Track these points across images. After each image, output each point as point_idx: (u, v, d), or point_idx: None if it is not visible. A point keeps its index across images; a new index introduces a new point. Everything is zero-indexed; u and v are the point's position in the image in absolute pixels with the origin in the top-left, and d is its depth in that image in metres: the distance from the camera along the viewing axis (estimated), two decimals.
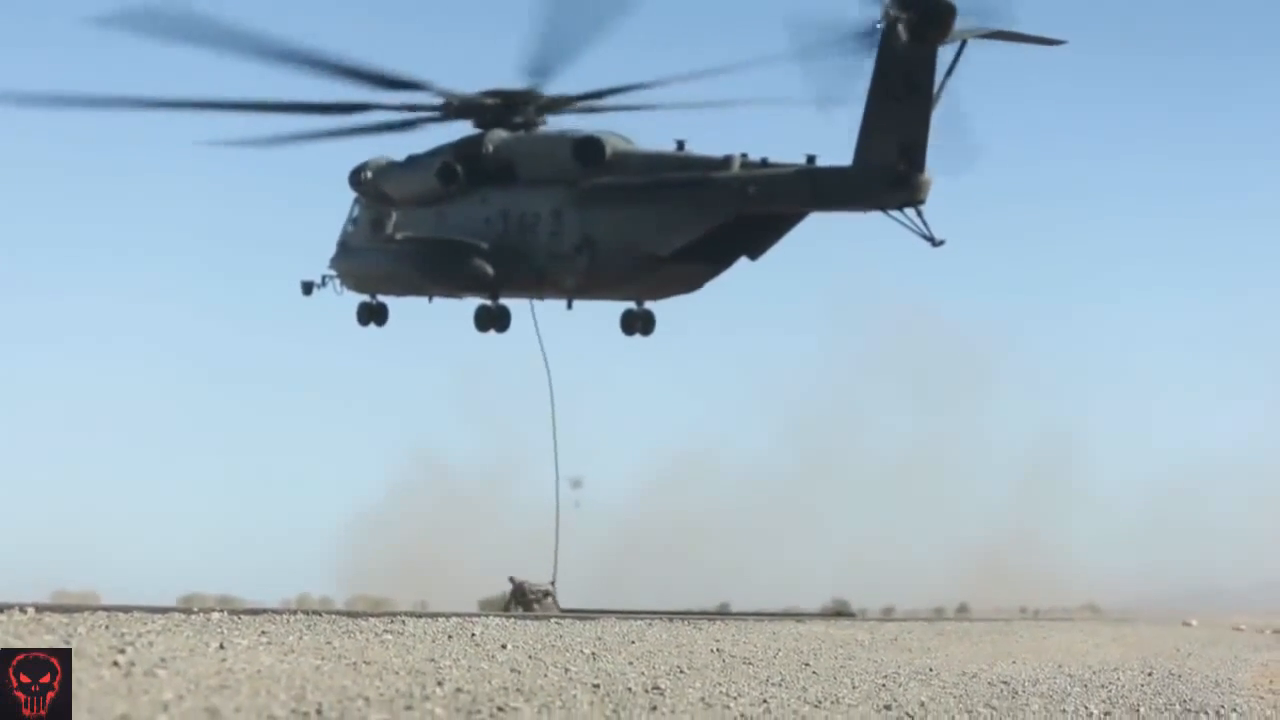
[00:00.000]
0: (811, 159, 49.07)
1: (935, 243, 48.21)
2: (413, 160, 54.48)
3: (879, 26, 45.43)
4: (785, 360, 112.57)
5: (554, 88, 52.85)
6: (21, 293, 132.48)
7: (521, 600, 64.31)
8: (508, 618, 38.54)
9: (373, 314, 55.93)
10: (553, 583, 62.05)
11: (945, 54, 46.44)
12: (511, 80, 52.92)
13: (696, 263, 51.16)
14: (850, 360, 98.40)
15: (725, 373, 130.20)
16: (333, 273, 56.01)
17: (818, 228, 51.12)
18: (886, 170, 46.74)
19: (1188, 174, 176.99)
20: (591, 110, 53.18)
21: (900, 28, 45.10)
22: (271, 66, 49.66)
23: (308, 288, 56.31)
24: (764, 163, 50.06)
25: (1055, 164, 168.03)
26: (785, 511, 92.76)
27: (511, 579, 63.69)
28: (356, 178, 55.41)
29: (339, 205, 56.82)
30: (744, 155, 50.23)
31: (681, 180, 50.55)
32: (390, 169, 54.82)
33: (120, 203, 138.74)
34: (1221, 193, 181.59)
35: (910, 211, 47.84)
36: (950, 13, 45.11)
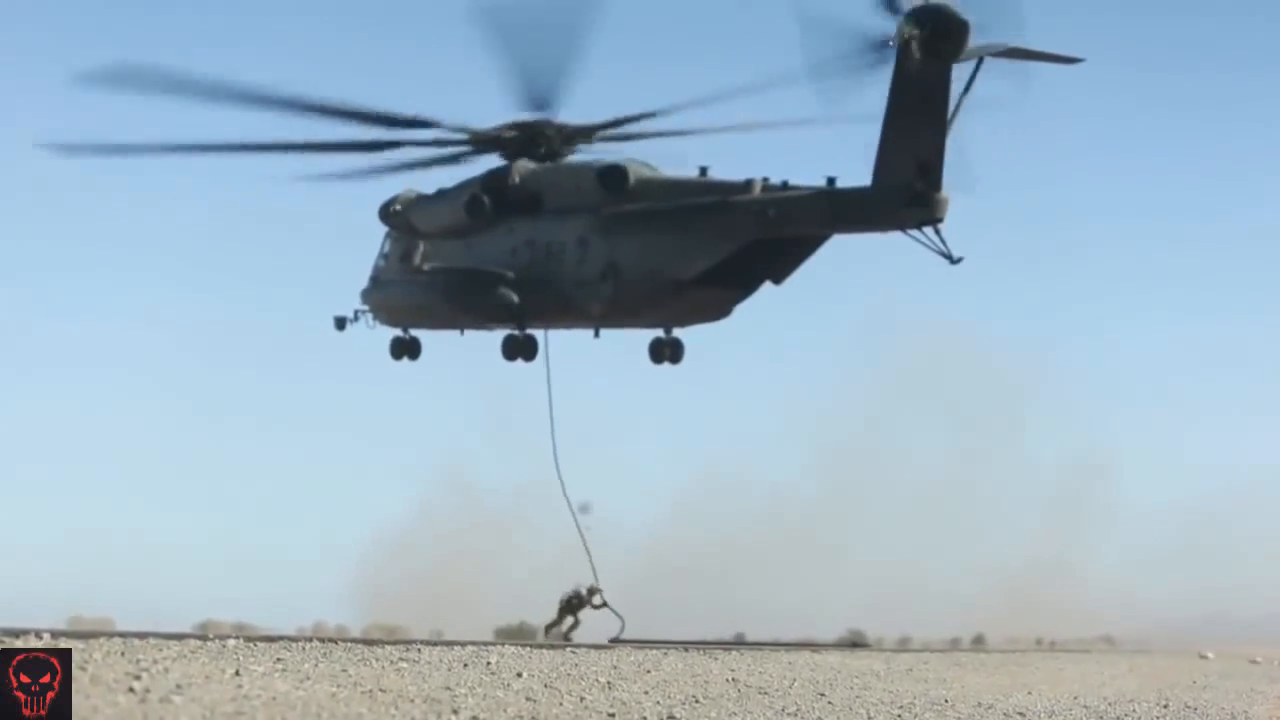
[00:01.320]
0: (831, 181, 49.06)
1: (954, 260, 48.16)
2: (441, 193, 54.67)
3: (892, 45, 45.40)
4: (810, 387, 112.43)
5: (579, 117, 53.02)
6: (43, 317, 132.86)
7: (572, 608, 64.44)
8: (523, 645, 38.49)
9: (406, 348, 56.12)
10: (596, 590, 62.03)
11: (963, 72, 46.49)
12: (537, 112, 53.09)
13: (720, 287, 51.14)
14: (875, 387, 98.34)
15: (748, 400, 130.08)
16: (364, 307, 56.26)
17: (844, 250, 51.15)
18: (904, 190, 46.68)
19: (1222, 192, 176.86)
20: (617, 139, 53.22)
21: (914, 46, 45.06)
22: (299, 115, 50.14)
23: (340, 323, 56.49)
24: (784, 186, 50.07)
25: (1088, 184, 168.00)
26: (806, 540, 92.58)
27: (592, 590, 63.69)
28: (386, 211, 55.68)
29: (371, 240, 57.05)
30: (765, 179, 50.24)
31: (702, 205, 50.59)
32: (419, 202, 55.01)
33: (153, 233, 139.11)
34: (1257, 209, 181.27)
35: (929, 230, 47.80)
36: (964, 30, 45.04)
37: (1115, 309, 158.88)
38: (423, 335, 56.21)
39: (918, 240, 48.06)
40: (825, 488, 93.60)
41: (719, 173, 51.71)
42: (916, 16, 44.97)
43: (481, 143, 53.39)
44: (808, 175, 49.96)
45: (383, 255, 56.36)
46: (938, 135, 46.17)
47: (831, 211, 49.07)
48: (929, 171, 46.42)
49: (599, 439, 57.71)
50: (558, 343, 55.38)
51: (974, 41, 45.66)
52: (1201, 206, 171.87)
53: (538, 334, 54.98)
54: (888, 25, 45.39)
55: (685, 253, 50.75)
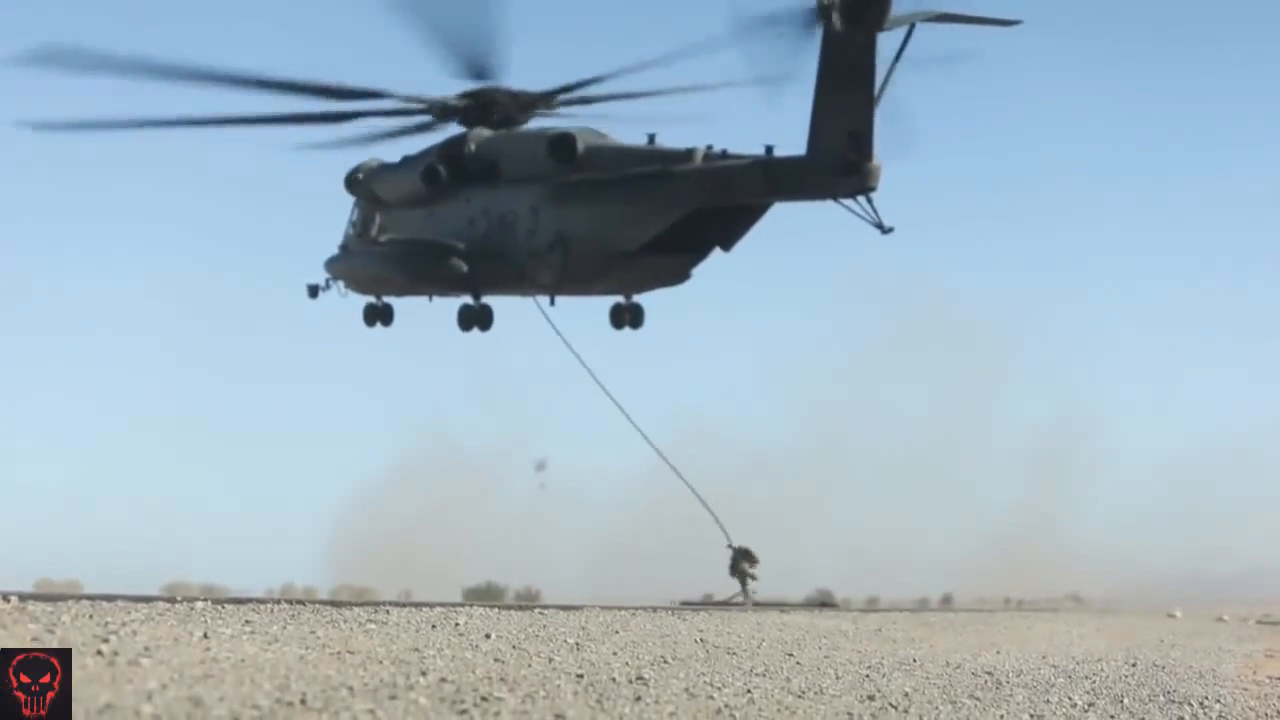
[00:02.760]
0: (770, 150, 48.88)
1: (885, 230, 47.92)
2: (403, 161, 54.63)
3: (816, 14, 45.00)
4: (785, 347, 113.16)
5: (538, 85, 52.92)
6: (13, 288, 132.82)
7: (740, 570, 68.05)
8: (491, 607, 38.47)
9: (378, 315, 56.20)
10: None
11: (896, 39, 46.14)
12: (496, 79, 52.91)
13: (666, 255, 51.05)
14: (853, 347, 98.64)
15: (726, 360, 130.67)
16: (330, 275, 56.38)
17: (825, 210, 50.85)
18: (837, 158, 46.47)
19: (1212, 161, 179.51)
20: (574, 103, 53.10)
21: (835, 16, 44.75)
22: (259, 90, 49.72)
23: (313, 290, 56.61)
24: (724, 154, 49.92)
25: (1076, 149, 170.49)
26: (780, 500, 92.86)
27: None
28: (351, 181, 55.68)
29: (344, 208, 57.06)
30: (709, 147, 50.09)
31: (645, 174, 50.50)
32: (381, 171, 55.05)
33: (120, 202, 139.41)
34: (1248, 180, 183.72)
35: (862, 199, 47.60)
36: None
37: (1099, 272, 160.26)
38: (399, 301, 56.17)
39: (850, 210, 47.87)
40: (802, 449, 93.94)
41: (669, 140, 51.55)
42: None
43: (436, 111, 53.26)
44: (769, 140, 49.68)
45: (351, 224, 56.44)
46: (867, 104, 45.95)
47: (768, 181, 48.92)
48: (860, 141, 46.21)
49: (573, 400, 57.77)
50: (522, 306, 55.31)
51: (901, 9, 45.43)
52: (1193, 172, 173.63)
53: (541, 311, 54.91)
54: None
55: (630, 222, 50.68)
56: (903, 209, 47.85)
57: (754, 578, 70.42)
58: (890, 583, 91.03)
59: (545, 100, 53.27)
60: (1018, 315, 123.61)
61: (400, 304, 55.98)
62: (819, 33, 45.37)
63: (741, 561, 69.72)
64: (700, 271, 52.02)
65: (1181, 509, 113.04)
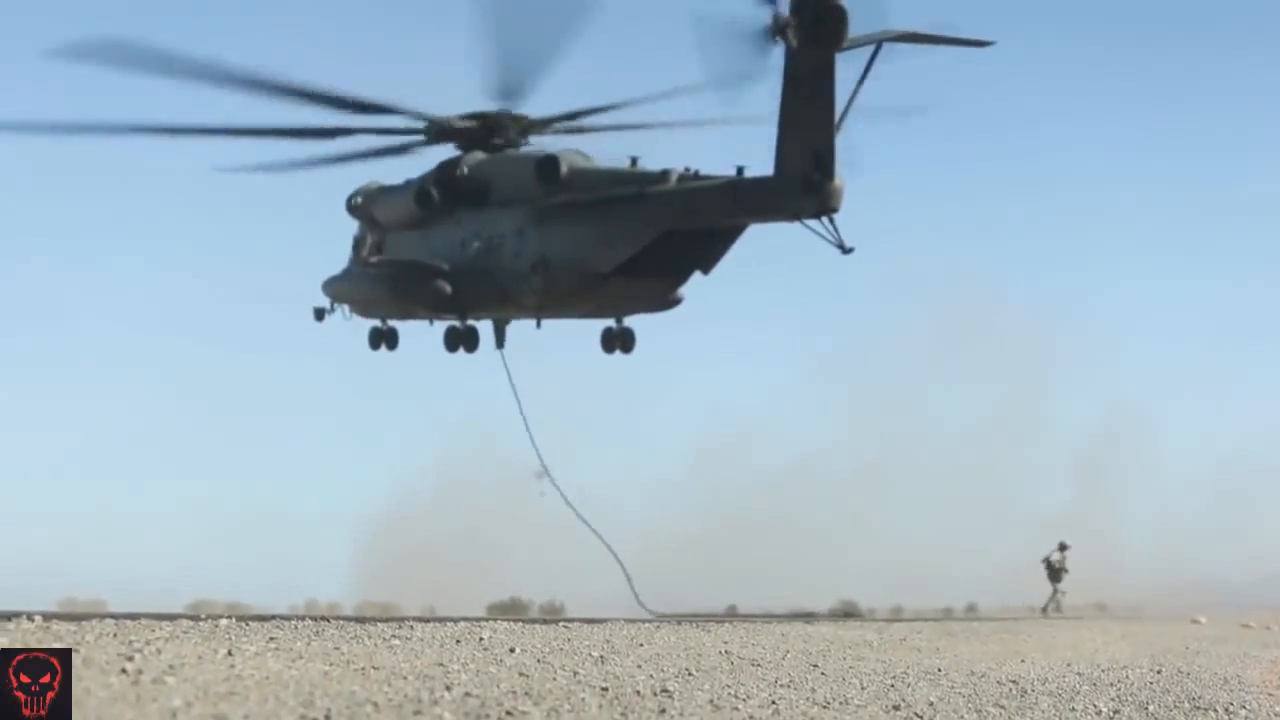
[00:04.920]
0: (741, 171, 48.46)
1: (845, 250, 47.36)
2: (400, 185, 54.58)
3: (770, 32, 44.50)
4: (826, 350, 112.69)
5: (536, 109, 52.73)
6: (30, 302, 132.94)
7: (1054, 576, 71.92)
8: (515, 621, 38.46)
9: (383, 338, 56.14)
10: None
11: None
12: (493, 103, 52.71)
13: (641, 278, 50.57)
14: (878, 352, 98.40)
15: (758, 362, 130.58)
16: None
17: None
18: (801, 179, 45.93)
19: (1271, 157, 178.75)
20: (573, 131, 52.98)
21: (790, 34, 44.29)
22: (248, 95, 49.16)
23: (319, 314, 56.59)
24: (697, 176, 49.54)
25: (1129, 146, 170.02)
26: (816, 510, 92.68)
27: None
28: (350, 203, 55.72)
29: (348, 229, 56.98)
30: (686, 169, 49.68)
31: (619, 196, 50.11)
32: (378, 194, 55.05)
33: (139, 221, 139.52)
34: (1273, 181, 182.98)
35: (825, 220, 47.01)
36: (840, 15, 43.96)
37: (1149, 271, 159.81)
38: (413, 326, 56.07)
39: (813, 231, 47.32)
40: (840, 456, 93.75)
41: (653, 162, 51.10)
42: (792, 4, 44.21)
43: (439, 132, 53.14)
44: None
45: (353, 246, 56.53)
46: (827, 124, 45.39)
47: (735, 202, 48.32)
48: (822, 161, 45.70)
49: (598, 414, 57.66)
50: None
51: (867, 28, 44.92)
52: (1250, 169, 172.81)
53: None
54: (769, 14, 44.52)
55: (603, 244, 50.31)
56: (948, 207, 47.51)
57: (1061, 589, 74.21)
58: (918, 593, 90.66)
59: (547, 126, 53.10)
60: (1065, 315, 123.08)
61: (416, 326, 55.89)
62: (779, 53, 44.84)
63: (1054, 576, 73.91)
64: (741, 273, 51.59)
65: (1220, 516, 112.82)
